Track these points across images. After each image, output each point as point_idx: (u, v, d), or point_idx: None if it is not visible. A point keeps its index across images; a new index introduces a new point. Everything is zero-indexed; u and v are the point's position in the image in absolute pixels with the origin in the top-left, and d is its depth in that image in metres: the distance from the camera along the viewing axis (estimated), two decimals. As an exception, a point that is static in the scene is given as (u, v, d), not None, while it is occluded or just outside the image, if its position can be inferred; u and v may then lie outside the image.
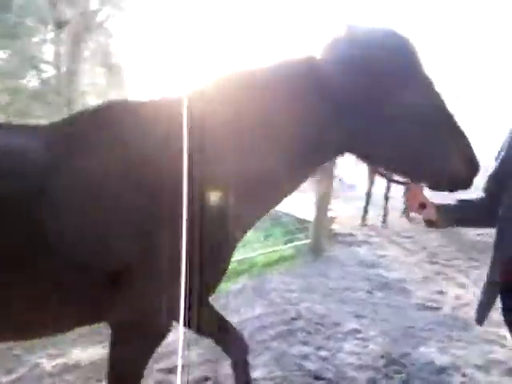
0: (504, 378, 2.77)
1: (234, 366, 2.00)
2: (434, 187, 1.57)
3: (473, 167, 1.50)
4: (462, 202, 1.70)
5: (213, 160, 1.41)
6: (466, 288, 4.27)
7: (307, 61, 1.47)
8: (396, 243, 5.78)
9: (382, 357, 2.93)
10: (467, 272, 4.72)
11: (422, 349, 3.07)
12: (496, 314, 1.75)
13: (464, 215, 1.71)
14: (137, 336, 1.49)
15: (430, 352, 3.04)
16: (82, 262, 1.32)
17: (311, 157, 1.54)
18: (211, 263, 1.45)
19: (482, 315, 1.70)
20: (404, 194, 1.72)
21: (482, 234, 5.85)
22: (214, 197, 1.41)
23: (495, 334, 3.34)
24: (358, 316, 3.50)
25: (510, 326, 1.67)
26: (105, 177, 1.37)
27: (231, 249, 1.57)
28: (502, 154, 1.63)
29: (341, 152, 1.57)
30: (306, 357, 2.85)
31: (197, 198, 1.33)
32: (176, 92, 1.57)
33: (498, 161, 1.64)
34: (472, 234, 5.96)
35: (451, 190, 1.56)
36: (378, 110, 1.41)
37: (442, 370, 2.82)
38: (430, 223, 1.73)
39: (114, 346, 1.53)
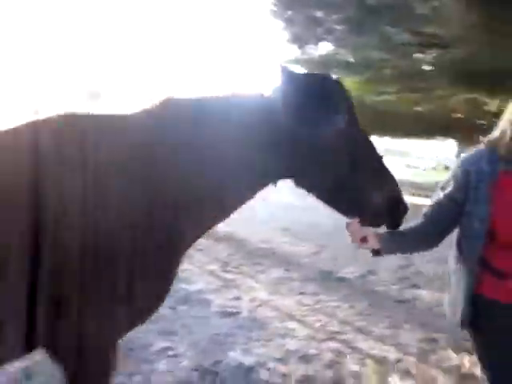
0: (300, 365, 3.15)
1: None
2: (363, 222, 1.70)
3: (402, 208, 1.69)
4: (403, 229, 1.77)
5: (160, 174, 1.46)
6: (256, 291, 4.72)
7: (259, 96, 1.64)
8: (191, 257, 5.94)
9: (196, 369, 2.93)
10: (255, 276, 5.23)
11: (230, 353, 3.21)
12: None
13: (404, 241, 1.80)
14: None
15: (237, 355, 3.21)
16: None
17: (254, 180, 1.65)
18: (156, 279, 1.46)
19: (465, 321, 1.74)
20: (346, 227, 1.76)
21: (264, 241, 6.59)
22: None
23: (285, 328, 3.79)
24: (166, 333, 3.42)
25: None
26: None
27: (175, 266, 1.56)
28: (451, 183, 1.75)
29: (280, 178, 1.69)
30: (118, 387, 2.60)
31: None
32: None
33: (447, 191, 1.76)
34: (255, 241, 6.65)
35: (378, 226, 1.72)
36: (313, 145, 1.57)
37: (250, 369, 3.02)
38: (375, 252, 1.79)
39: None
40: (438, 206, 1.77)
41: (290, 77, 1.57)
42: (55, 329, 1.32)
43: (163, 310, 3.86)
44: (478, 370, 3.40)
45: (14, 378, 2.59)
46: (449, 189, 1.75)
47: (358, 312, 4.35)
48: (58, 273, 1.28)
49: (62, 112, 1.49)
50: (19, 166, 1.30)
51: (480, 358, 1.78)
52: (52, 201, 1.29)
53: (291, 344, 3.49)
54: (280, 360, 3.20)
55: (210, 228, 1.71)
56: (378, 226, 1.74)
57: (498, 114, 7.37)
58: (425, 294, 5.22)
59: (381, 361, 3.36)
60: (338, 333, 3.78)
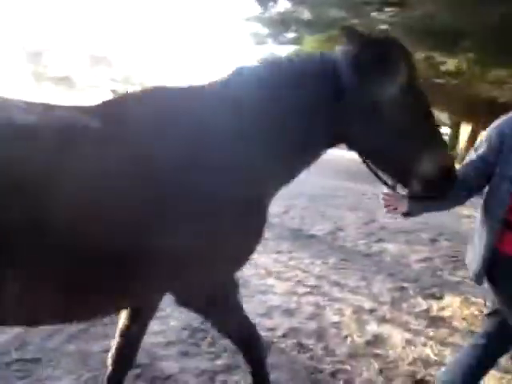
0: (284, 319, 3.29)
1: None
2: (412, 191, 1.69)
3: (453, 178, 1.65)
4: None
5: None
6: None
7: (325, 59, 1.66)
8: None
9: (185, 329, 2.99)
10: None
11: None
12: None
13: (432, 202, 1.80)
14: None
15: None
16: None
17: (321, 141, 1.73)
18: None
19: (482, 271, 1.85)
20: (382, 197, 1.77)
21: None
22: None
23: (265, 285, 3.90)
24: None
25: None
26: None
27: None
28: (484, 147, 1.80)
29: (338, 142, 1.76)
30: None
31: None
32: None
33: (479, 151, 1.82)
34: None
35: (427, 197, 1.70)
36: (375, 107, 1.59)
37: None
38: (404, 214, 1.83)
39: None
40: (470, 166, 1.84)
41: (355, 38, 1.62)
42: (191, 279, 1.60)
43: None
44: (444, 313, 3.69)
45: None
46: (482, 149, 1.81)
47: (332, 266, 4.53)
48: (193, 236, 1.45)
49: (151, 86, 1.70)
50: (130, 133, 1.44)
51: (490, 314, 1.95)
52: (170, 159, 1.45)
53: (273, 300, 3.61)
54: (264, 315, 3.31)
55: (280, 188, 1.83)
56: (425, 196, 1.71)
57: (455, 74, 7.56)
58: (391, 247, 5.51)
59: (358, 310, 3.56)
60: (315, 287, 3.95)
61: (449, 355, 2.99)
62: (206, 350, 2.79)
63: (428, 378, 2.71)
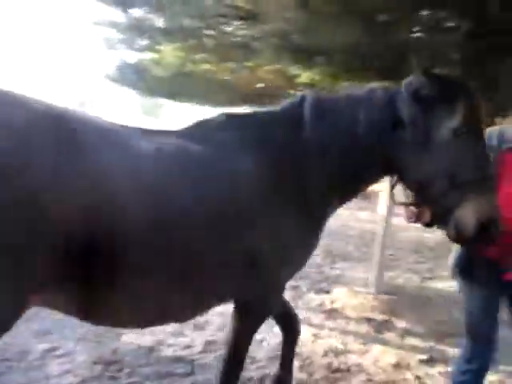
0: (197, 334, 3.21)
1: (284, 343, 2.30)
2: (448, 234, 1.68)
3: (494, 231, 1.57)
4: None
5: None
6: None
7: (387, 94, 1.75)
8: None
9: (96, 363, 2.69)
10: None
11: (123, 338, 3.03)
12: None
13: None
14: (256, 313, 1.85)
15: (130, 338, 3.06)
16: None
17: (377, 172, 1.88)
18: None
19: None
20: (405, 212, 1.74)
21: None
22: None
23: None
24: (41, 334, 2.99)
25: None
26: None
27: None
28: None
29: (386, 174, 1.89)
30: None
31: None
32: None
33: None
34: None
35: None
36: (427, 146, 1.65)
37: (151, 348, 2.93)
38: (426, 225, 1.81)
39: (238, 321, 1.83)
40: None
41: (421, 72, 1.67)
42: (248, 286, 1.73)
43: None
44: (337, 305, 4.06)
45: None
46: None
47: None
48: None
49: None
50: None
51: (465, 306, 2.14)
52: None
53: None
54: (177, 334, 3.18)
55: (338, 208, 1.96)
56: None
57: (309, 85, 8.33)
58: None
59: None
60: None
61: (353, 342, 3.31)
62: (126, 381, 2.56)
63: (342, 366, 2.96)
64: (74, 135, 1.30)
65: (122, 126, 1.56)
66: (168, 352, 2.92)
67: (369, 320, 3.77)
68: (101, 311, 1.49)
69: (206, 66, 12.33)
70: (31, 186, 1.16)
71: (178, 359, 2.80)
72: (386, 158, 1.76)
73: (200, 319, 3.45)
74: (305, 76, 9.07)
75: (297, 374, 2.80)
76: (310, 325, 3.57)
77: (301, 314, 3.70)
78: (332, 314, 3.85)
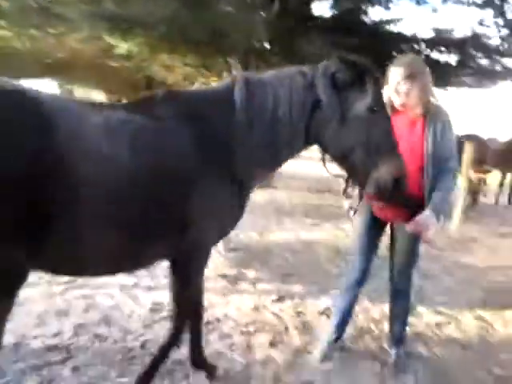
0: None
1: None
2: (365, 192, 2.15)
3: (402, 186, 2.03)
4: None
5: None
6: None
7: (307, 77, 2.04)
8: None
9: None
10: None
11: None
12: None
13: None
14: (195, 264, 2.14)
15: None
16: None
17: (302, 141, 2.11)
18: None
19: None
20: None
21: None
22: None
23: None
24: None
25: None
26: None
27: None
28: None
29: (315, 142, 2.12)
30: None
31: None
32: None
33: None
34: None
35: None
36: (345, 120, 1.97)
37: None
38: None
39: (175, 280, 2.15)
40: None
41: (335, 58, 2.00)
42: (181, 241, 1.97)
43: None
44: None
45: None
46: None
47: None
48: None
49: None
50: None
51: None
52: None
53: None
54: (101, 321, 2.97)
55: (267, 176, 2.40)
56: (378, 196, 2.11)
57: (127, 57, 8.17)
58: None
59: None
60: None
61: (215, 297, 3.64)
62: (3, 380, 2.33)
63: (211, 318, 3.26)
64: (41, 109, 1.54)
65: (76, 100, 1.76)
66: (37, 344, 2.73)
67: (224, 276, 4.16)
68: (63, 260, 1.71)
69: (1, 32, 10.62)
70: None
71: (51, 348, 2.66)
72: (307, 134, 2.06)
73: (61, 305, 3.28)
74: (122, 47, 8.75)
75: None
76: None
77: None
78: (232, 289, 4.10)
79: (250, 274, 4.28)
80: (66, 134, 1.55)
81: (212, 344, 2.91)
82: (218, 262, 4.50)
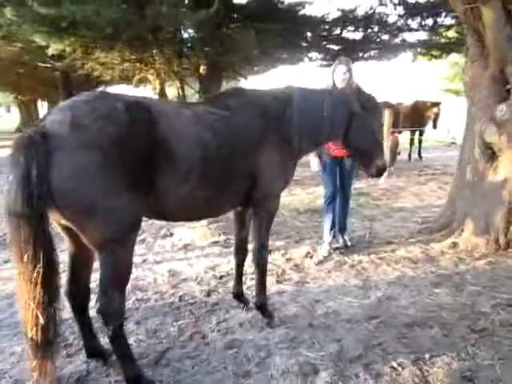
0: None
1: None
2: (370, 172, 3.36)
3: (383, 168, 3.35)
4: None
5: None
6: None
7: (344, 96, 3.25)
8: None
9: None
10: None
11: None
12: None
13: None
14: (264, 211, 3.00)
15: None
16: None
17: (334, 133, 3.18)
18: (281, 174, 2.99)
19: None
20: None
21: None
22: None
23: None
24: None
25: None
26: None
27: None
28: None
29: (338, 137, 3.23)
30: None
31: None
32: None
33: None
34: None
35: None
36: (362, 127, 3.17)
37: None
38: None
39: (254, 220, 3.03)
40: None
41: (360, 92, 3.25)
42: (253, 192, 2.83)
43: None
44: (186, 241, 4.95)
45: None
46: None
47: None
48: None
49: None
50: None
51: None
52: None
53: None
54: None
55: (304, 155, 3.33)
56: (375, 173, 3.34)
57: (59, 57, 8.35)
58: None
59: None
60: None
61: (221, 261, 4.35)
62: None
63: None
64: (149, 113, 2.28)
65: (171, 101, 2.43)
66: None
67: (215, 242, 4.91)
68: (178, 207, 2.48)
69: None
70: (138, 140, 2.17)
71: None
72: (343, 133, 3.19)
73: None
74: (54, 48, 8.74)
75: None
76: (180, 259, 4.42)
77: (162, 255, 4.52)
78: (188, 247, 4.77)
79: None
80: (165, 124, 2.28)
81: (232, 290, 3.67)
82: (204, 232, 5.19)
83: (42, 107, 19.45)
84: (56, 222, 2.25)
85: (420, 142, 12.28)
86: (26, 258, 1.93)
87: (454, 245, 4.65)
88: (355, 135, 3.16)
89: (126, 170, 2.08)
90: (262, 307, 3.18)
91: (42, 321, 1.98)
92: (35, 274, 1.94)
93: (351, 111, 3.11)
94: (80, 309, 2.58)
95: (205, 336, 2.95)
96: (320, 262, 4.29)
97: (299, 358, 2.66)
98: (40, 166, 1.89)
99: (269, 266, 4.14)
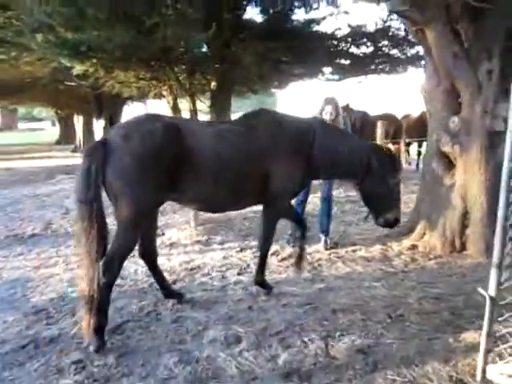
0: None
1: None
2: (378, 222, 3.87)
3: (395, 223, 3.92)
4: None
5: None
6: None
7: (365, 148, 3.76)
8: None
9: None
10: None
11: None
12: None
13: None
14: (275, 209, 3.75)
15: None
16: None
17: (350, 170, 3.73)
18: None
19: None
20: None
21: None
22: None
23: None
24: None
25: None
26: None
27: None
28: None
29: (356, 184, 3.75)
30: None
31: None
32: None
33: None
34: None
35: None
36: (377, 180, 3.63)
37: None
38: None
39: (266, 216, 3.78)
40: None
41: (379, 150, 3.81)
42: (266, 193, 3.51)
43: None
44: (173, 239, 5.56)
45: None
46: None
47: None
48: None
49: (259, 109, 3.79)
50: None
51: None
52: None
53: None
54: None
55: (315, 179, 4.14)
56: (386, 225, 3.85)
57: (84, 76, 9.28)
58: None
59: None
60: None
61: (197, 256, 4.93)
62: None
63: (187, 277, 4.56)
64: (179, 131, 3.10)
65: (199, 120, 3.77)
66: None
67: (198, 241, 5.48)
68: (206, 202, 3.44)
69: None
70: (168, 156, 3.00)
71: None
72: (359, 178, 3.68)
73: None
74: (79, 69, 9.67)
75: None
76: (163, 255, 5.02)
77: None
78: (173, 245, 5.38)
79: (218, 238, 5.62)
80: (191, 140, 3.10)
81: (198, 279, 4.23)
82: (191, 232, 5.79)
83: (78, 122, 20.86)
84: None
85: (419, 153, 12.48)
86: (85, 224, 2.79)
87: (413, 247, 5.03)
88: (369, 186, 3.63)
89: (155, 171, 2.93)
90: (262, 283, 3.88)
91: (93, 280, 2.82)
92: (91, 236, 2.80)
93: (369, 159, 3.56)
94: (152, 265, 3.63)
95: (159, 314, 3.52)
96: (283, 259, 4.77)
97: (229, 331, 3.16)
98: (98, 163, 2.80)
99: (236, 262, 4.73)
